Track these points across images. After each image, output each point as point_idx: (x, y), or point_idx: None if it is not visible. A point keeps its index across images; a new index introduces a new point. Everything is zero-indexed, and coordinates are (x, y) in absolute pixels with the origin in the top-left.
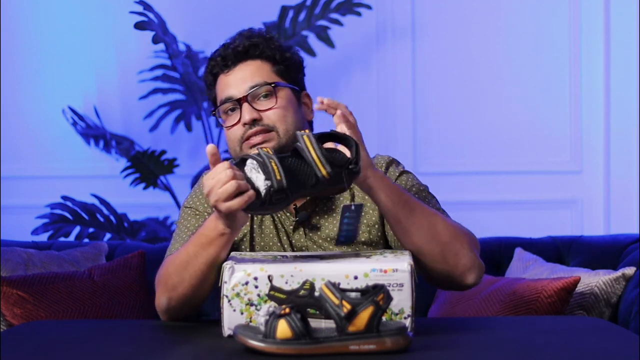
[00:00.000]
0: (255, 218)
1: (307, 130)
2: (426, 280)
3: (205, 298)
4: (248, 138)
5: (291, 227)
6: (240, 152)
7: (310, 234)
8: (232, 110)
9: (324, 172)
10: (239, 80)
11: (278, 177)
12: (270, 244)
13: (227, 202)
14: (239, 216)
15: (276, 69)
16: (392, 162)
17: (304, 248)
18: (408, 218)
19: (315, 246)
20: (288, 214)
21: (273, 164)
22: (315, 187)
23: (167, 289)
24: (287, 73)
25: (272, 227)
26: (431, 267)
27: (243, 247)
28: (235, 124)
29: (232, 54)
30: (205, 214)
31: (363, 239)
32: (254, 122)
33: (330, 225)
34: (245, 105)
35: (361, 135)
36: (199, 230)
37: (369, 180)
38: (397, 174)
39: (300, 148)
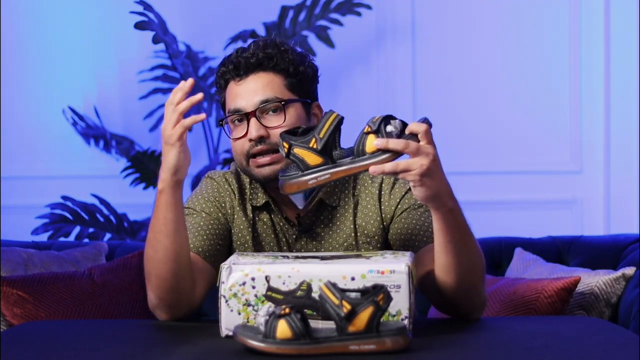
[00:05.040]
0: (256, 226)
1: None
2: (437, 306)
3: (188, 281)
4: (254, 156)
5: (293, 236)
6: (246, 167)
7: (313, 243)
8: (240, 121)
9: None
10: (249, 92)
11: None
12: (267, 238)
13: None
14: (179, 152)
15: (288, 82)
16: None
17: None
18: (473, 245)
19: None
20: (290, 224)
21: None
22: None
23: (152, 286)
24: (300, 86)
25: (272, 236)
26: (451, 291)
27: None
28: (242, 137)
29: (245, 64)
30: (203, 213)
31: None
32: (260, 139)
33: (334, 235)
34: (253, 121)
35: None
36: (157, 198)
37: (451, 203)
38: (404, 191)
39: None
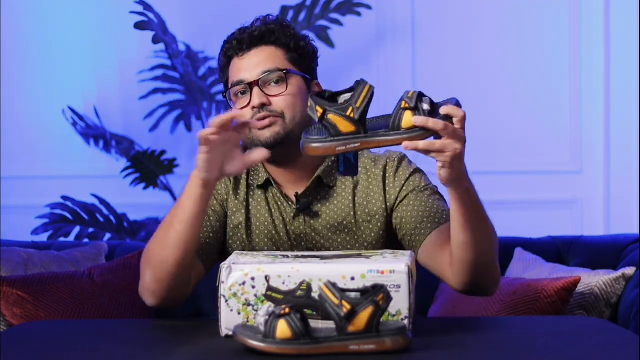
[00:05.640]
0: (250, 207)
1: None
2: (456, 285)
3: (187, 272)
4: (257, 121)
5: (291, 214)
6: (249, 134)
7: (311, 222)
8: (243, 93)
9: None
10: (252, 64)
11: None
12: (265, 232)
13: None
14: (214, 157)
15: (289, 56)
16: (404, 158)
17: (302, 235)
18: (487, 223)
19: (314, 234)
20: (289, 202)
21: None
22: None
23: (150, 266)
24: (300, 61)
25: (267, 215)
26: (471, 274)
27: (239, 234)
28: (245, 107)
29: (248, 38)
30: (211, 208)
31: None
32: (262, 106)
33: (332, 213)
34: (256, 90)
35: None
36: (182, 196)
37: (466, 183)
38: (409, 173)
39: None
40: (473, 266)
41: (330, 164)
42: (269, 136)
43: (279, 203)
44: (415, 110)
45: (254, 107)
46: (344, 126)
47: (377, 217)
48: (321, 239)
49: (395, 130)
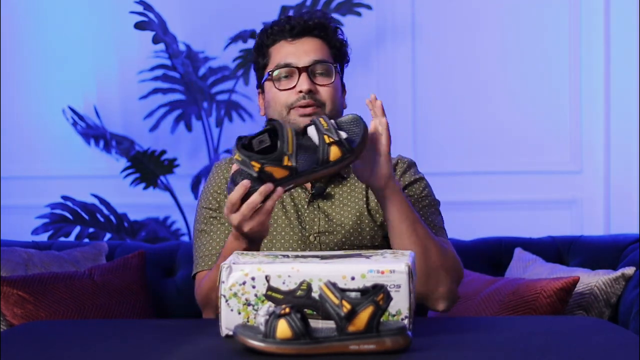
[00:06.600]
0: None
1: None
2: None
3: None
4: (300, 107)
5: (306, 199)
6: (286, 116)
7: (324, 209)
8: (286, 77)
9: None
10: (302, 51)
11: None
12: (275, 217)
13: (248, 221)
14: (267, 225)
15: (332, 52)
16: (412, 165)
17: (316, 220)
18: (408, 236)
19: (327, 219)
20: (303, 189)
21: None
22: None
23: (212, 308)
24: (340, 61)
25: (280, 205)
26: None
27: None
28: (291, 88)
29: (302, 25)
30: (212, 220)
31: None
32: (309, 92)
33: (345, 200)
34: (305, 75)
35: (390, 144)
36: (224, 252)
37: (386, 191)
38: (412, 180)
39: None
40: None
41: None
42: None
43: (293, 190)
44: (339, 143)
45: (300, 92)
46: (279, 173)
47: (381, 211)
48: (333, 224)
49: (324, 164)
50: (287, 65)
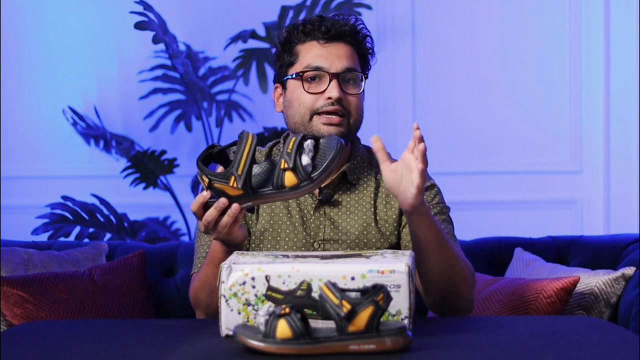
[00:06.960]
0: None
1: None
2: (425, 302)
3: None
4: (326, 113)
5: (312, 205)
6: (308, 122)
7: (331, 215)
8: (313, 79)
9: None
10: (335, 56)
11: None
12: (280, 222)
13: (216, 227)
14: (234, 234)
15: (361, 62)
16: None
17: (321, 227)
18: (435, 254)
19: (332, 226)
20: (312, 194)
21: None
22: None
23: (201, 309)
24: (365, 71)
25: (282, 206)
26: (433, 295)
27: (254, 229)
28: (320, 93)
29: (337, 30)
30: None
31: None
32: (338, 100)
33: (352, 208)
34: (336, 82)
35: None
36: (209, 253)
37: (413, 215)
38: (424, 187)
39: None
40: (433, 286)
41: (355, 162)
42: (333, 133)
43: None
44: (294, 170)
45: (329, 98)
46: (232, 192)
47: (390, 221)
48: (338, 232)
49: (280, 189)
50: (318, 69)
